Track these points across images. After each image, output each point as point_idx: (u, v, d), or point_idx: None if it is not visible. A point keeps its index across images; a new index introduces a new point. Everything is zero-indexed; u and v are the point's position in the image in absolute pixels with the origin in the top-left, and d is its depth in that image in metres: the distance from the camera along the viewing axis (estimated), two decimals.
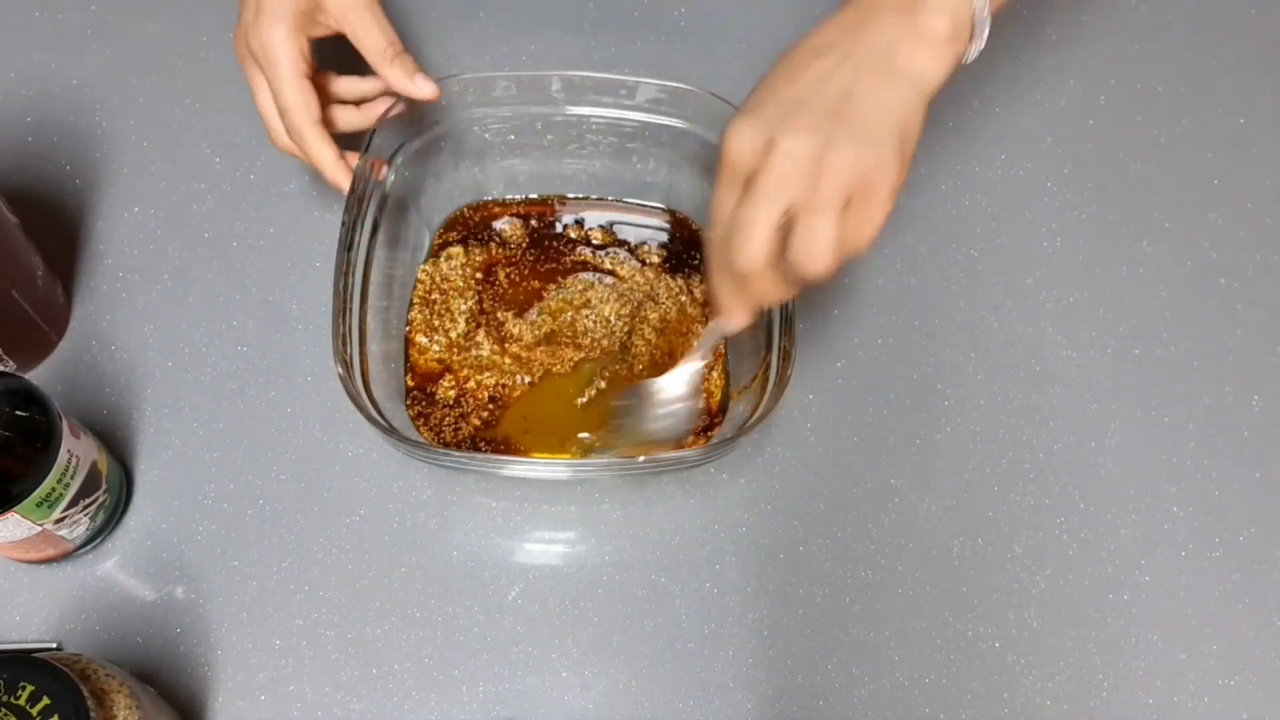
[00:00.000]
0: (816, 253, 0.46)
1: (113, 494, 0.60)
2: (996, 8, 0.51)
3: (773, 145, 0.46)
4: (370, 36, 0.58)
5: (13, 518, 0.53)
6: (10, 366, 0.64)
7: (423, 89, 0.59)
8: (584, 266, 0.69)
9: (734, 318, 0.53)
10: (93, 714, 0.45)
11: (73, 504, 0.56)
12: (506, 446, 0.64)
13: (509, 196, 0.71)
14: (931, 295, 0.71)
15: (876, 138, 0.47)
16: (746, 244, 0.47)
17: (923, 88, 0.49)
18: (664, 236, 0.70)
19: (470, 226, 0.70)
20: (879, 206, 0.47)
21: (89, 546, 0.61)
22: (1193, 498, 0.66)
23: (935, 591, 0.63)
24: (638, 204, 0.71)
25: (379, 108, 0.62)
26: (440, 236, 0.70)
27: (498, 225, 0.70)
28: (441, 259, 0.69)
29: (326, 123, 0.60)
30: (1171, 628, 0.62)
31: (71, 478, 0.55)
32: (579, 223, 0.71)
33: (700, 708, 0.60)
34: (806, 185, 0.46)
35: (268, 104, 0.59)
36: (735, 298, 0.52)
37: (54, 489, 0.54)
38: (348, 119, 0.62)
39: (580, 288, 0.68)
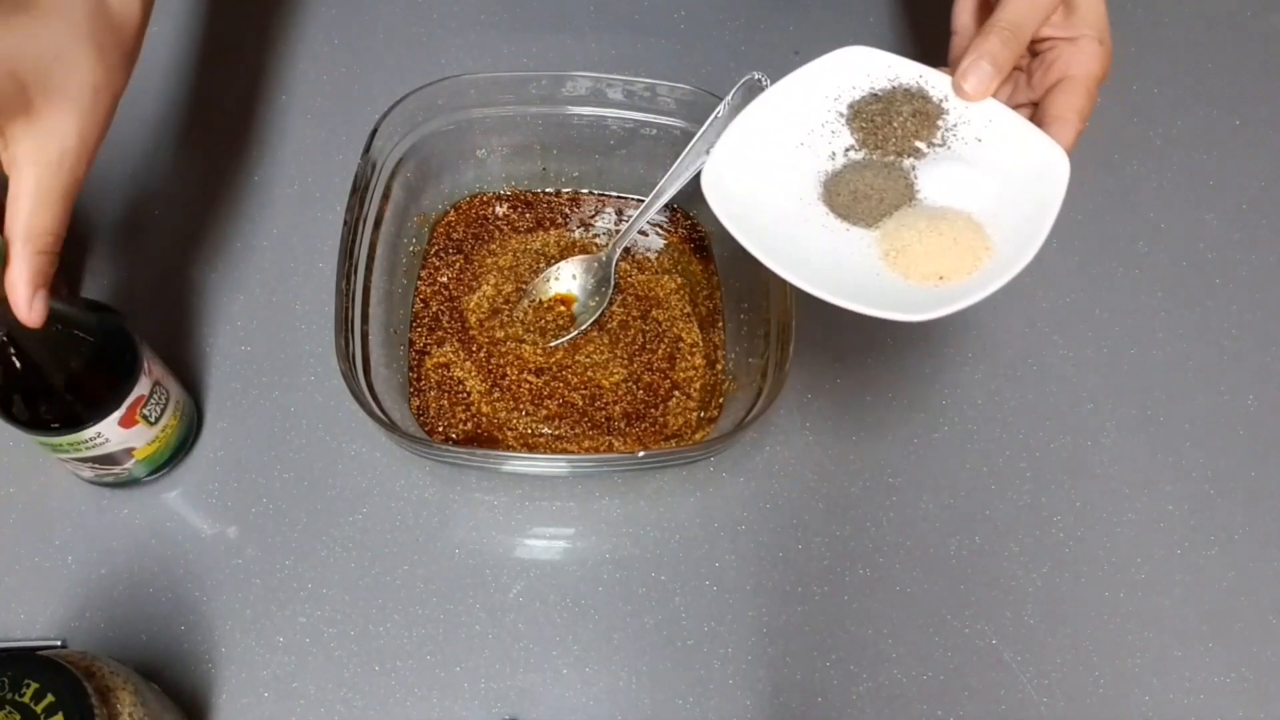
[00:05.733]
0: None
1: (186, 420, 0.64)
2: None
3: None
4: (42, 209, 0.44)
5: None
6: None
7: (35, 311, 0.45)
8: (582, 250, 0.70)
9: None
10: (97, 711, 0.45)
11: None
12: (508, 441, 0.64)
13: (504, 190, 0.71)
14: None
15: None
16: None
17: None
18: (662, 238, 0.71)
19: (470, 222, 0.71)
20: None
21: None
22: (1188, 496, 0.66)
23: (933, 589, 0.63)
24: (636, 200, 0.71)
25: None
26: (440, 233, 0.70)
27: (497, 218, 0.71)
28: (440, 257, 0.69)
29: None
30: (1167, 626, 0.63)
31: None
32: (581, 220, 0.71)
33: (699, 705, 0.60)
34: None
35: None
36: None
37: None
38: None
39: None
